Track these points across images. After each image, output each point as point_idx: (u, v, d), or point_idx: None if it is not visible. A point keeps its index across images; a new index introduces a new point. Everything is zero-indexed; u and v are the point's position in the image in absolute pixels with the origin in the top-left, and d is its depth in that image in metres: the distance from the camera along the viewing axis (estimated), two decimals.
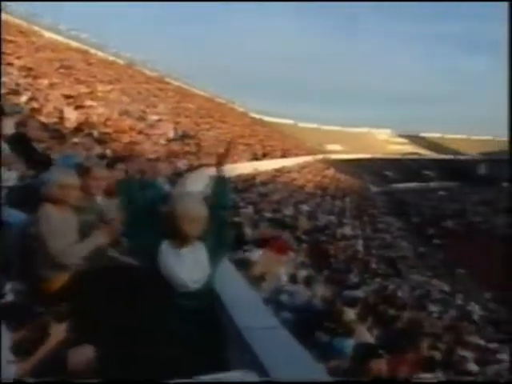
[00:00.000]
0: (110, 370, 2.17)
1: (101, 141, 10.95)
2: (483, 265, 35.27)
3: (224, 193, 2.84)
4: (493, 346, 13.20)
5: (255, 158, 26.65)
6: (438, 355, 7.36)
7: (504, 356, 11.26)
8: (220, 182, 2.90)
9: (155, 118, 20.24)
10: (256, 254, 7.49)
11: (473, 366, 8.50)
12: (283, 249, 7.90)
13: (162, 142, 16.83)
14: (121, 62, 41.09)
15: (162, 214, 2.63)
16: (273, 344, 1.84)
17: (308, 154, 49.57)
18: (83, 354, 2.26)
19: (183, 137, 19.33)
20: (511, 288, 30.56)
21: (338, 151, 71.35)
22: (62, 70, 19.80)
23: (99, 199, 3.78)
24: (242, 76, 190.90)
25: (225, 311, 2.15)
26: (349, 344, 5.22)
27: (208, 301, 2.25)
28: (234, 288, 2.31)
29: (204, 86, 54.82)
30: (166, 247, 2.49)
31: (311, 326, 5.93)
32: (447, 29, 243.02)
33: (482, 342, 12.91)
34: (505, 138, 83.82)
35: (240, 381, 1.56)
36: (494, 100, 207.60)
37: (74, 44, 34.83)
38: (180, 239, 2.52)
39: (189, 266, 2.43)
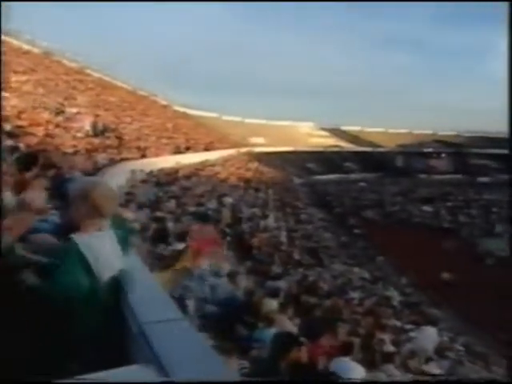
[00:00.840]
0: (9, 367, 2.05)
1: (13, 134, 10.46)
2: (400, 252, 36.94)
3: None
4: (408, 326, 13.88)
5: (178, 151, 26.37)
6: (357, 340, 7.56)
7: (417, 334, 11.86)
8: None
9: (74, 110, 19.52)
10: (178, 248, 7.40)
11: (390, 348, 8.84)
12: (208, 243, 7.84)
13: (81, 135, 16.26)
14: (36, 51, 39.21)
15: (72, 196, 2.48)
16: (171, 337, 1.80)
17: (232, 147, 49.62)
18: None
19: (103, 130, 18.78)
20: (425, 273, 32.28)
21: (261, 144, 71.90)
22: None
23: (7, 195, 3.58)
24: (166, 68, 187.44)
25: (127, 305, 2.08)
26: (269, 334, 5.26)
27: (115, 294, 2.17)
28: (137, 281, 2.23)
29: (126, 78, 53.61)
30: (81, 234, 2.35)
31: (233, 319, 5.94)
32: (369, 24, 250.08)
33: (398, 324, 13.51)
34: (420, 130, 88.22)
35: (134, 375, 1.53)
36: (413, 95, 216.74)
37: None
38: (96, 222, 2.39)
39: (109, 250, 2.33)
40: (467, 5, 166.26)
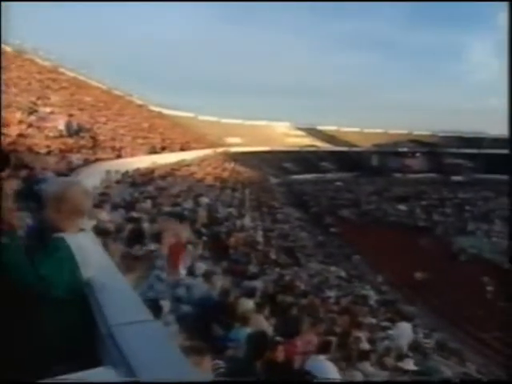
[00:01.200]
0: None
1: None
2: (376, 250, 37.32)
3: None
4: (384, 324, 14.01)
5: (154, 151, 26.15)
6: (333, 338, 7.60)
7: (393, 332, 11.99)
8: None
9: (47, 110, 19.21)
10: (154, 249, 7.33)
11: (366, 345, 8.91)
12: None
13: (55, 135, 16.00)
14: (8, 49, 38.48)
15: (47, 197, 2.42)
16: (140, 339, 1.78)
17: (208, 147, 49.47)
18: None
19: (78, 130, 18.51)
20: (400, 271, 32.66)
21: (238, 144, 71.87)
22: None
23: None
24: (141, 68, 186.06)
25: (97, 307, 2.05)
26: (245, 334, 5.25)
27: (82, 296, 2.14)
28: (108, 283, 2.21)
29: (101, 77, 52.99)
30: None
31: (209, 319, 5.92)
32: (343, 24, 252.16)
33: (374, 322, 13.63)
34: (396, 130, 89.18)
35: (100, 377, 1.51)
36: (387, 94, 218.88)
37: None
38: (76, 222, 2.35)
39: (93, 250, 2.29)
40: (440, 5, 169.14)
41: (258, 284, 9.65)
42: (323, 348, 6.85)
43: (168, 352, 1.75)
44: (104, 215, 8.39)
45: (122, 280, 2.50)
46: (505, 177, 69.95)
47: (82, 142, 16.97)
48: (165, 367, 1.55)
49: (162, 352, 1.71)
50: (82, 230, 2.41)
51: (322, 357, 5.90)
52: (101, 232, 6.26)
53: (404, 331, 12.49)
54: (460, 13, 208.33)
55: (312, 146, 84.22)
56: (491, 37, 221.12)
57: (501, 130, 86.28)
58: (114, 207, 10.41)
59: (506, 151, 75.49)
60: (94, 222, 7.01)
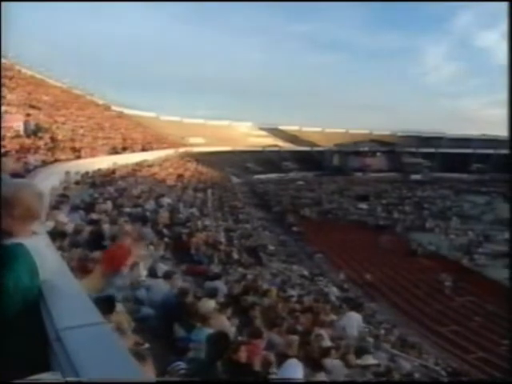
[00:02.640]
0: None
1: None
2: (338, 248, 37.80)
3: None
4: (341, 322, 14.15)
5: (115, 151, 25.84)
6: (295, 337, 7.64)
7: (352, 330, 12.15)
8: None
9: (3, 109, 18.71)
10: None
11: (328, 342, 8.97)
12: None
13: (11, 135, 15.60)
14: None
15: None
16: (88, 342, 1.75)
17: (170, 147, 49.08)
18: None
19: (36, 130, 18.09)
20: (362, 268, 33.15)
21: (200, 144, 71.54)
22: None
23: None
24: (102, 67, 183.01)
25: (47, 311, 2.01)
26: (206, 334, 5.22)
27: (34, 299, 2.09)
28: (58, 286, 2.16)
29: (60, 75, 51.79)
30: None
31: (170, 320, 5.88)
32: (302, 24, 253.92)
33: (335, 318, 13.76)
34: (356, 130, 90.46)
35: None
36: (345, 95, 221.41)
37: None
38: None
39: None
40: (398, 6, 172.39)
41: (220, 284, 9.64)
42: (286, 346, 6.90)
43: (116, 355, 1.73)
44: (62, 217, 8.23)
45: (75, 284, 2.44)
46: (462, 175, 72.39)
47: (40, 143, 16.62)
48: (112, 371, 1.53)
49: (110, 355, 1.69)
50: (34, 233, 2.34)
51: (293, 360, 5.93)
52: (58, 234, 6.14)
53: (352, 320, 12.64)
54: (417, 15, 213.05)
55: (274, 145, 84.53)
56: (447, 40, 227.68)
57: (457, 130, 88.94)
58: (74, 209, 10.23)
59: (461, 150, 78.07)
60: (50, 225, 6.88)
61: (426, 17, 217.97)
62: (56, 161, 15.53)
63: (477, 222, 46.50)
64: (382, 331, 17.86)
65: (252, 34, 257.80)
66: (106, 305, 3.95)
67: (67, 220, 8.35)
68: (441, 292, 29.33)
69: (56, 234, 6.06)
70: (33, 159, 13.62)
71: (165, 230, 13.57)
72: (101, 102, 56.00)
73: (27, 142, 15.72)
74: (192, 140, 72.42)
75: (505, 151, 65.56)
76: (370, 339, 12.79)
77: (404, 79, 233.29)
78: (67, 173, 14.31)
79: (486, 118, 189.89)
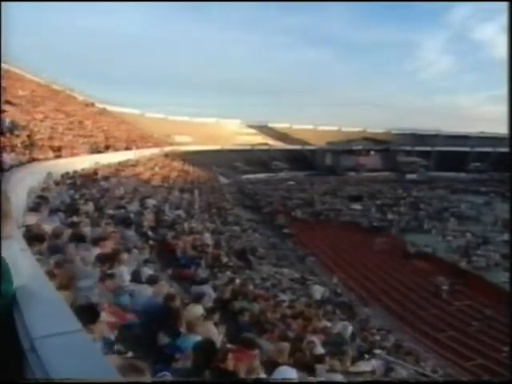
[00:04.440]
0: None
1: None
2: (330, 251, 37.87)
3: None
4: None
5: (97, 150, 25.70)
6: (286, 344, 7.62)
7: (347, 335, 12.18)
8: None
9: None
10: (94, 254, 7.17)
11: (320, 350, 8.97)
12: None
13: None
14: None
15: None
16: (64, 351, 1.72)
17: (155, 145, 48.99)
18: None
19: (12, 128, 17.92)
20: (355, 271, 33.24)
21: (186, 143, 71.42)
22: None
23: None
24: (83, 62, 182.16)
25: (21, 319, 1.97)
26: (193, 342, 5.19)
27: (6, 306, 2.05)
28: (35, 293, 2.13)
29: (38, 70, 51.38)
30: None
31: (154, 327, 5.83)
32: (292, 20, 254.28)
33: (329, 325, 13.77)
34: (349, 128, 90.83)
35: None
36: (338, 91, 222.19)
37: None
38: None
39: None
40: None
41: (207, 289, 9.61)
42: (277, 354, 6.88)
43: (96, 365, 1.71)
44: (40, 220, 8.16)
45: (51, 290, 2.41)
46: (459, 174, 72.80)
47: (17, 141, 16.47)
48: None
49: (89, 365, 1.67)
50: (8, 237, 2.30)
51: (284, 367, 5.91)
52: (35, 238, 6.07)
53: (342, 330, 12.72)
54: (411, 10, 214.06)
55: (264, 144, 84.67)
56: (442, 33, 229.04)
57: (453, 127, 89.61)
58: (53, 211, 10.14)
59: (459, 148, 78.48)
60: (27, 228, 6.81)
61: (421, 9, 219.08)
62: (34, 160, 15.39)
63: (475, 223, 46.61)
64: (377, 337, 17.93)
65: (240, 28, 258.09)
66: (89, 314, 3.91)
67: (45, 223, 8.27)
68: (437, 296, 29.43)
69: (33, 238, 5.99)
70: (9, 158, 13.48)
71: (150, 233, 13.53)
72: (82, 98, 55.66)
73: (3, 140, 15.57)
74: (178, 138, 72.33)
75: (504, 149, 66.20)
76: (365, 345, 12.82)
77: (398, 74, 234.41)
78: (46, 173, 14.21)
79: (483, 114, 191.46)
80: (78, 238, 8.18)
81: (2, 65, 42.01)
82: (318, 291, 22.22)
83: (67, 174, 16.50)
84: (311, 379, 6.85)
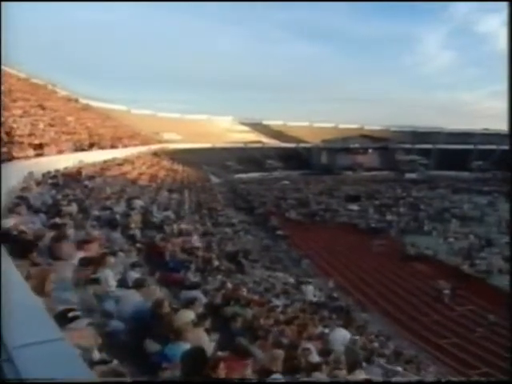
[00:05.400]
0: None
1: None
2: (326, 254, 37.86)
3: None
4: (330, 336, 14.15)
5: (81, 148, 25.63)
6: (280, 352, 7.59)
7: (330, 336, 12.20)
8: None
9: None
10: (76, 259, 7.10)
11: (316, 358, 8.95)
12: None
13: None
14: None
15: None
16: (43, 360, 1.69)
17: (143, 143, 48.96)
18: None
19: None
20: (353, 275, 33.26)
21: (175, 140, 71.38)
22: None
23: None
24: (67, 55, 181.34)
25: None
26: (183, 350, 5.15)
27: None
28: (10, 299, 2.09)
29: (18, 62, 51.05)
30: None
31: (141, 334, 5.79)
32: (287, 14, 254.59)
33: (326, 331, 13.76)
34: (346, 125, 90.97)
35: None
36: (334, 87, 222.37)
37: None
38: None
39: None
40: None
41: (197, 294, 9.56)
42: (271, 361, 6.86)
43: (77, 375, 1.68)
44: (19, 221, 8.08)
45: (31, 296, 2.38)
46: (461, 173, 72.88)
47: None
48: None
49: (70, 375, 1.63)
50: None
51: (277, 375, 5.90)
52: (14, 241, 6.02)
53: (340, 336, 12.72)
54: (412, 4, 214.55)
55: (257, 142, 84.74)
56: (443, 28, 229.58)
57: (455, 124, 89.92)
58: (34, 212, 10.08)
59: (461, 146, 78.60)
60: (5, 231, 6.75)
61: (421, 3, 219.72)
62: (13, 158, 15.31)
63: (478, 225, 46.65)
64: (376, 344, 17.92)
65: (233, 22, 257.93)
66: (67, 319, 3.86)
67: (26, 224, 8.20)
68: (439, 301, 29.41)
69: (11, 241, 5.93)
70: None
71: (137, 235, 13.47)
72: (64, 93, 55.35)
73: None
74: (167, 136, 72.27)
75: (508, 147, 66.13)
76: (362, 352, 12.81)
77: (398, 70, 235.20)
78: (27, 172, 14.14)
79: (486, 110, 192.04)
80: (61, 241, 8.11)
81: None
82: (310, 292, 22.30)
83: (49, 173, 16.43)
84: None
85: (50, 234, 8.35)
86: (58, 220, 10.04)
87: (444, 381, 14.51)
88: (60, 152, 21.42)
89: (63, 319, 3.75)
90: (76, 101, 54.01)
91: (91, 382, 1.43)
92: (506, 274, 30.28)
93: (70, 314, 4.15)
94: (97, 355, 4.11)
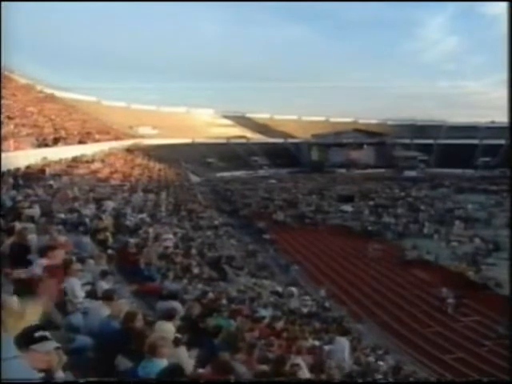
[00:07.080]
0: None
1: None
2: (317, 259, 37.89)
3: None
4: (328, 347, 14.17)
5: (44, 143, 25.48)
6: (266, 368, 7.59)
7: (331, 347, 12.23)
8: None
9: None
10: (39, 267, 7.02)
11: (306, 374, 8.96)
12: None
13: None
14: None
15: None
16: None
17: (115, 138, 48.80)
18: None
19: None
20: (346, 283, 33.30)
21: (151, 135, 71.19)
22: None
23: None
24: (27, 39, 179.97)
25: None
26: (158, 367, 5.10)
27: None
28: None
29: None
30: None
31: (111, 351, 5.74)
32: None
33: (317, 344, 13.79)
34: (338, 118, 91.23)
35: None
36: (326, 76, 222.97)
37: None
38: None
39: None
40: None
41: (176, 304, 9.52)
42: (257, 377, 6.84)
43: None
44: None
45: None
46: (466, 171, 73.08)
47: None
48: None
49: None
50: None
51: None
52: None
53: (342, 346, 12.79)
54: None
55: (241, 137, 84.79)
56: (447, 11, 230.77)
57: (459, 117, 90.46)
58: None
59: (465, 141, 78.83)
60: None
61: None
62: None
63: (484, 227, 46.84)
64: (372, 358, 17.97)
65: (218, 5, 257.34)
66: (33, 339, 3.80)
67: None
68: (442, 311, 29.43)
69: None
70: None
71: (108, 240, 13.40)
72: (24, 81, 54.76)
73: None
74: (142, 130, 72.11)
75: None
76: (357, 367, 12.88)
77: (397, 56, 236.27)
78: None
79: (494, 101, 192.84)
80: (21, 248, 8.03)
81: None
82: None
83: (8, 171, 16.32)
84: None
85: (9, 240, 8.26)
86: (17, 224, 9.92)
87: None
88: (20, 148, 21.25)
89: (28, 338, 3.68)
90: (38, 90, 53.46)
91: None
92: None
93: (37, 334, 4.06)
94: (60, 374, 4.04)
